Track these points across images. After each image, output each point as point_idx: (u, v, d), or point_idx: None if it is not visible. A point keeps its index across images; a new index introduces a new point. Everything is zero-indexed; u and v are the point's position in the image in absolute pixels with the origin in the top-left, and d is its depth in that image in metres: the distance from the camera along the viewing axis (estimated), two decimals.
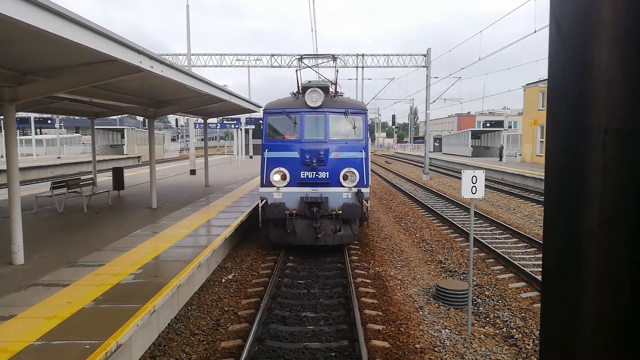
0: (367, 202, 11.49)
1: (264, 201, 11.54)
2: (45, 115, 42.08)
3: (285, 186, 11.44)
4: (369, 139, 12.24)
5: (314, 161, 11.26)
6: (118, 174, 18.44)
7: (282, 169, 11.45)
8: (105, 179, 23.33)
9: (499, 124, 52.09)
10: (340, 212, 11.09)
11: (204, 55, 33.05)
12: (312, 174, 11.36)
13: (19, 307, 6.15)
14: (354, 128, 11.77)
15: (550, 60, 0.80)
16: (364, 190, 11.43)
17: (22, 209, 8.78)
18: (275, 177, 11.45)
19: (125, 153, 51.58)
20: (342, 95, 12.79)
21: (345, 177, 11.42)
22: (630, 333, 0.69)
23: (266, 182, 11.56)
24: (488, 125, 56.18)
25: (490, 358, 6.74)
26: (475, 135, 58.54)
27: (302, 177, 11.40)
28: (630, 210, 0.67)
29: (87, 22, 6.14)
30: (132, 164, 46.56)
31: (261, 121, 11.95)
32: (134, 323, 5.64)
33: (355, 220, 11.33)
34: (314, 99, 11.47)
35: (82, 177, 17.22)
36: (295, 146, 11.49)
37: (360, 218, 11.35)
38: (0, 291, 6.79)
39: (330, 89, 12.51)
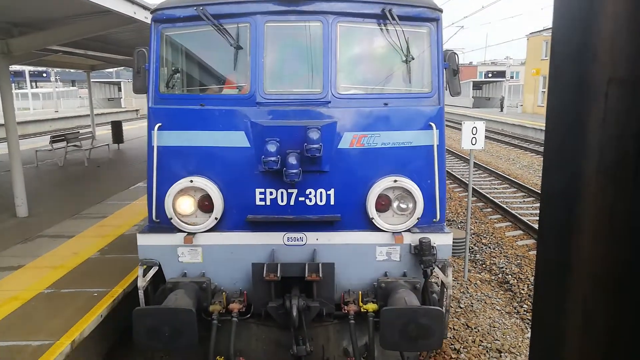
0: (446, 274, 4.53)
1: (148, 275, 4.55)
2: (40, 69, 41.31)
3: (209, 230, 4.55)
4: (445, 87, 4.81)
5: (293, 158, 4.18)
6: (117, 127, 18.34)
7: (201, 180, 4.51)
8: (104, 132, 23.22)
9: (501, 74, 51.28)
10: (374, 307, 4.34)
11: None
12: (288, 194, 4.49)
13: (26, 258, 6.31)
14: (406, 62, 4.64)
15: (556, 6, 0.78)
16: (440, 240, 4.51)
17: (23, 163, 8.80)
18: (183, 204, 4.57)
19: (123, 106, 50.97)
20: None
21: (385, 204, 4.52)
22: (625, 282, 0.71)
23: (158, 217, 4.73)
24: (490, 75, 55.35)
25: (485, 302, 6.97)
26: (477, 85, 57.74)
27: (259, 202, 4.50)
28: (630, 160, 0.68)
29: None
30: (130, 117, 46.09)
31: (146, 48, 4.72)
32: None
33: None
34: None
35: (81, 131, 17.11)
36: (239, 115, 4.45)
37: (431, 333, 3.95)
38: (7, 243, 6.94)
39: None
